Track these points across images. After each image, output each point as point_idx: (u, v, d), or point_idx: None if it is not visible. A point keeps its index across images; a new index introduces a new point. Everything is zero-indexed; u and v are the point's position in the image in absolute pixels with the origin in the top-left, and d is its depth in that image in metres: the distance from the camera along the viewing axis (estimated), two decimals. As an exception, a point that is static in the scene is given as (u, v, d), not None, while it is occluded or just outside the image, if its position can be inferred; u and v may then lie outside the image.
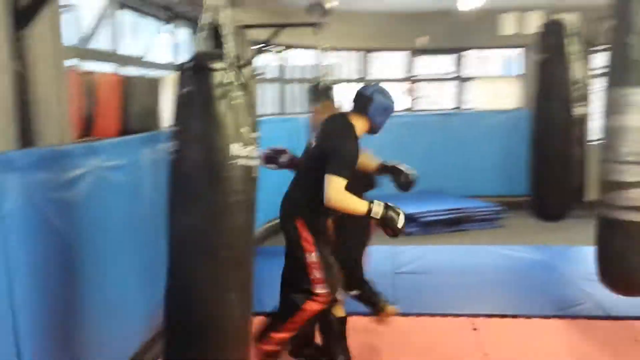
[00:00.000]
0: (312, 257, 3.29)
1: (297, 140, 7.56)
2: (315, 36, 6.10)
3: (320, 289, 3.28)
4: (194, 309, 2.58)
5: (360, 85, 3.82)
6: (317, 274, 3.28)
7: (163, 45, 4.90)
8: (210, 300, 2.58)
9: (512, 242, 6.69)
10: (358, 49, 9.04)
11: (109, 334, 3.27)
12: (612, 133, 3.66)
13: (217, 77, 2.54)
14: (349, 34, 8.47)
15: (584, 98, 6.88)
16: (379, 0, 7.41)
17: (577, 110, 6.48)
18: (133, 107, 3.49)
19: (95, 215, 3.11)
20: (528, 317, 4.54)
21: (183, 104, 2.59)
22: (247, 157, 2.58)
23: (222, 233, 2.57)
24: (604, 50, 9.51)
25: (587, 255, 6.58)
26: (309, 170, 3.34)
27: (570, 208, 5.37)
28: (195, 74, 2.56)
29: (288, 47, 7.88)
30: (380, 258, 4.98)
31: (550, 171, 5.20)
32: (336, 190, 3.06)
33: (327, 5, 5.96)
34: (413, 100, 9.53)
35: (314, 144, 3.39)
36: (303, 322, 3.34)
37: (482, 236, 7.22)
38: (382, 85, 3.50)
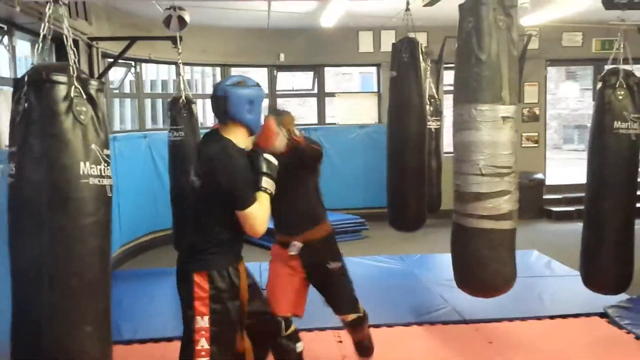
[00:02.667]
0: None
1: (158, 156, 7.33)
2: (173, 50, 5.93)
3: None
4: (44, 346, 2.32)
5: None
6: None
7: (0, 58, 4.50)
8: (62, 335, 2.33)
9: (373, 253, 6.86)
10: (218, 64, 8.92)
11: None
12: (465, 147, 3.72)
13: (60, 91, 2.33)
14: (208, 48, 8.34)
15: (438, 113, 7.29)
16: (240, 16, 7.35)
17: (431, 124, 6.83)
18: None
19: None
20: (390, 325, 4.64)
21: (21, 121, 2.35)
22: (99, 175, 2.40)
23: (72, 260, 2.34)
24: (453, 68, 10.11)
25: (443, 262, 6.92)
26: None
27: (426, 218, 5.59)
28: (34, 87, 2.33)
29: (144, 60, 7.58)
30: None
31: (406, 183, 5.37)
32: None
33: (186, 18, 5.78)
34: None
35: None
36: None
37: (345, 248, 7.27)
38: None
